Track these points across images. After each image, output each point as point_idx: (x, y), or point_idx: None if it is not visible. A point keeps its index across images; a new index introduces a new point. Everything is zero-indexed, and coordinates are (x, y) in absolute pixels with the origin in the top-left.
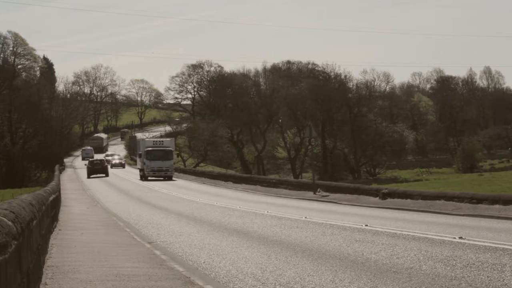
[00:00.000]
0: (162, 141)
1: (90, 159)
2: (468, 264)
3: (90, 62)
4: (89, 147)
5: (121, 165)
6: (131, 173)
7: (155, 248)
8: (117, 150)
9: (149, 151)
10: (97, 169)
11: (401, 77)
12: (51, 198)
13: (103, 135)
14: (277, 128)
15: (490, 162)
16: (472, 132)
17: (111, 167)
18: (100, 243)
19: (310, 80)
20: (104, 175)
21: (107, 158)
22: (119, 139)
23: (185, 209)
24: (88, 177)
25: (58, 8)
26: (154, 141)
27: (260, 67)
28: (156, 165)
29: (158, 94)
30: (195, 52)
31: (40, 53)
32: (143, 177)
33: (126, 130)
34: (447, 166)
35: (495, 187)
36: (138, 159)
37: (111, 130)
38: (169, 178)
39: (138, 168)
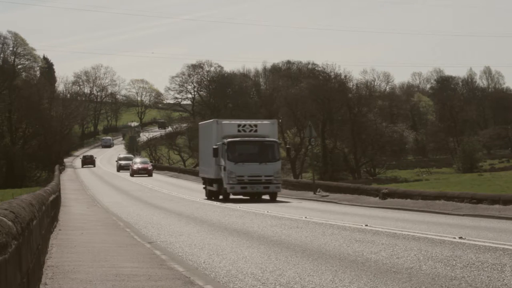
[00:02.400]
0: (256, 125)
1: (84, 155)
2: (468, 264)
3: (90, 62)
4: (108, 137)
5: (147, 172)
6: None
7: (155, 248)
8: (116, 151)
9: (233, 145)
10: (88, 161)
11: (401, 77)
12: (51, 198)
13: (134, 124)
14: (277, 128)
15: (490, 162)
16: (472, 132)
17: (132, 175)
18: (100, 243)
19: (310, 80)
20: (92, 165)
21: (120, 162)
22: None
23: (185, 209)
24: (82, 166)
25: (58, 8)
26: (240, 124)
27: (260, 67)
28: (248, 172)
29: (158, 94)
30: (195, 52)
31: (40, 53)
32: (220, 195)
33: (164, 120)
34: (447, 166)
35: (495, 187)
36: (204, 161)
37: (111, 130)
38: (272, 197)
39: (204, 178)
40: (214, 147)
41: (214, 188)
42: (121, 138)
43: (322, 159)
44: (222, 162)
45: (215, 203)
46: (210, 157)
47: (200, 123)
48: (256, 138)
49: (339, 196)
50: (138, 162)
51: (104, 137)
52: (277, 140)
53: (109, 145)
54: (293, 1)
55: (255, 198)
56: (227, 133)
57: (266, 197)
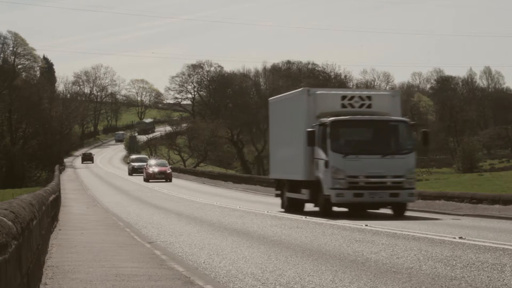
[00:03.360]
0: (370, 97)
1: (84, 152)
2: (468, 264)
3: (90, 62)
4: (121, 132)
5: (165, 176)
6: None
7: (155, 248)
8: (115, 151)
9: (340, 126)
10: (87, 158)
11: (401, 77)
12: (51, 198)
13: (148, 120)
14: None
15: (490, 162)
16: (472, 132)
17: (147, 180)
18: (100, 243)
19: (310, 80)
20: (91, 162)
21: (133, 164)
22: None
23: (185, 209)
24: (82, 162)
25: (58, 8)
26: (345, 96)
27: (260, 67)
28: (365, 170)
29: (158, 94)
30: (195, 52)
31: (40, 53)
32: (315, 206)
33: (177, 118)
34: (447, 166)
35: (495, 187)
36: (281, 154)
37: (111, 130)
38: (398, 210)
39: (280, 180)
40: (309, 130)
41: (303, 195)
42: (136, 134)
43: None
44: (321, 155)
45: (214, 203)
46: (292, 147)
47: (271, 98)
48: (376, 117)
49: None
50: (153, 164)
51: (117, 132)
52: (407, 119)
53: (122, 140)
54: (293, 1)
55: (357, 212)
56: (325, 109)
57: (385, 210)
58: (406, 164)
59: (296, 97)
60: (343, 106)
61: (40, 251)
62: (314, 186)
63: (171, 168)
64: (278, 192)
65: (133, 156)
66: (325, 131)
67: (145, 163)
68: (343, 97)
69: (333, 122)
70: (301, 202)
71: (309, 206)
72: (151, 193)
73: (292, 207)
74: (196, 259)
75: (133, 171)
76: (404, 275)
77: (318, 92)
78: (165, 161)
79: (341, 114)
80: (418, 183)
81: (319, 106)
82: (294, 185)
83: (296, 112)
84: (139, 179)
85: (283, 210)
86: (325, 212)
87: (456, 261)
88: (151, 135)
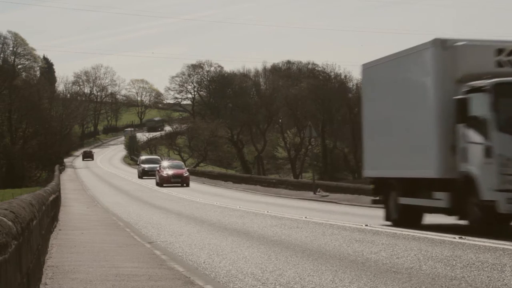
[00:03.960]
0: None
1: (84, 150)
2: (468, 264)
3: (90, 62)
4: (130, 129)
5: (182, 180)
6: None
7: (155, 248)
8: (116, 151)
9: (506, 92)
10: (87, 155)
11: None
12: (51, 198)
13: (157, 118)
14: (277, 128)
15: None
16: None
17: (161, 184)
18: (100, 243)
19: (310, 80)
20: (91, 159)
21: (144, 166)
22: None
23: (185, 209)
24: (83, 160)
25: (58, 8)
26: (502, 49)
27: (260, 67)
28: None
29: (158, 94)
30: (195, 52)
31: (40, 53)
32: (466, 218)
33: (181, 117)
34: None
35: None
36: (384, 140)
37: (111, 130)
38: None
39: (380, 179)
40: (460, 97)
41: (437, 201)
42: (146, 131)
43: (322, 159)
44: (475, 137)
45: (214, 203)
46: (413, 128)
47: (367, 63)
48: None
49: (339, 196)
50: (167, 166)
51: (126, 129)
52: None
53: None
54: (293, 1)
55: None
56: (472, 68)
57: None
58: None
59: (420, 54)
60: (499, 64)
61: (40, 251)
62: (458, 187)
63: (188, 170)
64: (378, 197)
65: (143, 157)
66: (483, 100)
67: (157, 165)
68: (499, 51)
69: (498, 85)
70: (420, 211)
71: (430, 218)
72: (151, 193)
73: (409, 218)
74: (196, 259)
75: (143, 174)
76: (404, 275)
77: (460, 44)
78: (181, 163)
79: (498, 76)
80: None
81: (461, 65)
82: (416, 186)
83: (420, 75)
84: (150, 182)
85: (389, 223)
86: (484, 227)
87: (456, 261)
88: (152, 134)
